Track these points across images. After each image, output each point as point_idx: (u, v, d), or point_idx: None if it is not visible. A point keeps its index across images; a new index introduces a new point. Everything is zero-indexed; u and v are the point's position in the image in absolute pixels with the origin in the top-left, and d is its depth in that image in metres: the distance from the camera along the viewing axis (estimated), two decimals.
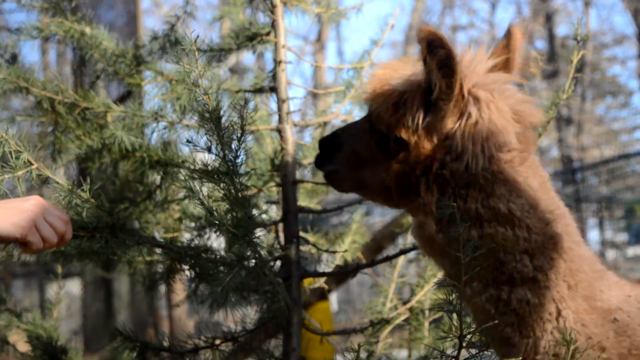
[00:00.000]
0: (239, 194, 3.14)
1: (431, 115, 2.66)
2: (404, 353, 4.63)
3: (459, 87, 2.61)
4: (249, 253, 3.34)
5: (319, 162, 3.02)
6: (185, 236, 4.29)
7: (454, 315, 2.76)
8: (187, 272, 4.12)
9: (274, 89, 3.96)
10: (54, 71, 13.60)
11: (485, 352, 2.87)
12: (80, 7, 4.23)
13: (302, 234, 3.93)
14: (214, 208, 3.25)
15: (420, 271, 4.78)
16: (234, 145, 3.05)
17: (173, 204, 4.38)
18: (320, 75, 23.59)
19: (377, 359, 4.26)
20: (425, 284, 4.31)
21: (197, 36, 2.98)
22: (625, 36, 28.01)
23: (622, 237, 18.07)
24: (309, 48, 25.81)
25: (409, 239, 4.62)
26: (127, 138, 3.92)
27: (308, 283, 4.59)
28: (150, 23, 22.80)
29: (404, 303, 4.33)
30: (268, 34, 4.04)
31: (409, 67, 2.77)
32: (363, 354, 3.93)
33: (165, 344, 4.10)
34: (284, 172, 3.88)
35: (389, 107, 2.72)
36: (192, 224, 4.14)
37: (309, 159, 4.27)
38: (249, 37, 4.14)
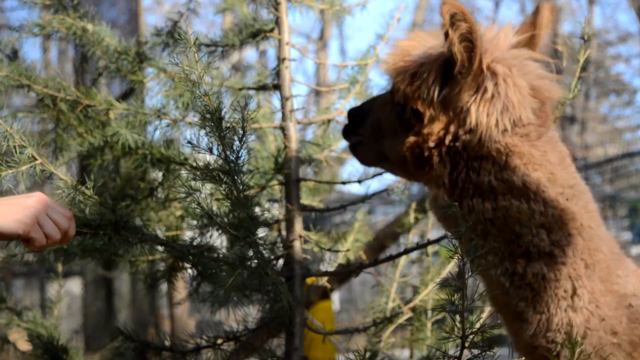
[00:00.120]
0: (241, 195, 3.12)
1: (448, 89, 2.67)
2: (406, 353, 4.62)
3: (478, 62, 2.61)
4: (251, 253, 3.32)
5: (346, 132, 3.04)
6: (187, 234, 4.27)
7: (457, 316, 2.73)
8: (190, 271, 4.11)
9: (277, 87, 3.94)
10: (56, 69, 13.57)
11: (488, 353, 2.85)
12: (82, 4, 4.21)
13: (304, 232, 3.91)
14: (215, 207, 3.23)
15: (422, 271, 4.77)
16: (235, 145, 3.04)
17: (175, 201, 4.36)
18: (323, 73, 23.57)
19: (380, 359, 4.24)
20: (428, 282, 4.29)
21: (197, 38, 2.96)
22: (629, 34, 27.98)
23: (626, 236, 18.04)
24: (311, 46, 25.78)
25: (411, 238, 4.61)
26: (130, 136, 3.91)
27: (310, 282, 4.57)
28: (152, 21, 22.80)
29: (407, 302, 4.31)
30: (272, 30, 4.02)
31: (433, 40, 2.76)
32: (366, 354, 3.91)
33: (167, 343, 4.08)
34: (287, 170, 3.87)
35: (406, 78, 2.72)
36: (194, 222, 4.12)
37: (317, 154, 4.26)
38: (253, 34, 4.12)
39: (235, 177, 3.07)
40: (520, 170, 2.62)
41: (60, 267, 4.72)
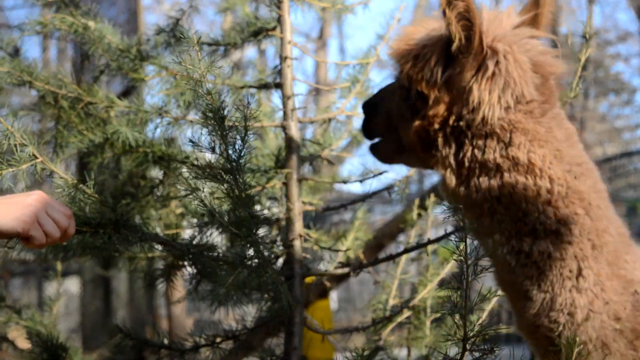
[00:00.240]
0: (243, 194, 3.11)
1: (451, 69, 2.68)
2: (404, 352, 4.61)
3: (478, 41, 2.62)
4: (251, 253, 3.31)
5: (365, 127, 3.05)
6: (187, 232, 4.26)
7: (457, 317, 2.72)
8: (189, 269, 4.10)
9: (279, 85, 3.93)
10: (55, 68, 13.57)
11: (489, 356, 2.83)
12: (83, 2, 4.21)
13: (304, 230, 3.91)
14: (216, 206, 3.22)
15: (422, 270, 4.77)
16: (237, 144, 3.03)
17: (175, 200, 4.35)
18: (322, 72, 23.55)
19: (379, 358, 4.23)
20: (428, 282, 4.29)
21: (200, 37, 2.95)
22: (629, 33, 27.90)
23: None
24: (311, 45, 25.75)
25: (412, 237, 4.61)
26: (130, 134, 3.90)
27: (309, 281, 4.56)
28: (151, 20, 22.75)
29: (407, 301, 4.31)
30: (274, 29, 4.01)
31: (436, 24, 2.78)
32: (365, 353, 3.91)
33: (165, 342, 4.08)
34: (288, 169, 3.86)
35: (409, 60, 2.74)
36: (195, 220, 4.11)
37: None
38: (255, 32, 4.11)
39: (237, 176, 3.07)
40: (525, 146, 2.63)
41: (59, 265, 4.71)
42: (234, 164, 3.04)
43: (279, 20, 3.94)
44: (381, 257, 4.00)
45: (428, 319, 4.37)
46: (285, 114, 3.89)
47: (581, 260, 2.61)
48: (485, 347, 2.80)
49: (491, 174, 2.64)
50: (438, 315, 4.35)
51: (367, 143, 3.12)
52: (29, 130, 3.06)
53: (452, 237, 2.68)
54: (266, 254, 3.36)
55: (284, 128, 3.89)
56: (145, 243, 3.48)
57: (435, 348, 4.09)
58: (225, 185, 3.09)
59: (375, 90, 3.14)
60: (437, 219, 4.58)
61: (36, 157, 3.07)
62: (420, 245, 3.90)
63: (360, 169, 4.15)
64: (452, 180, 2.72)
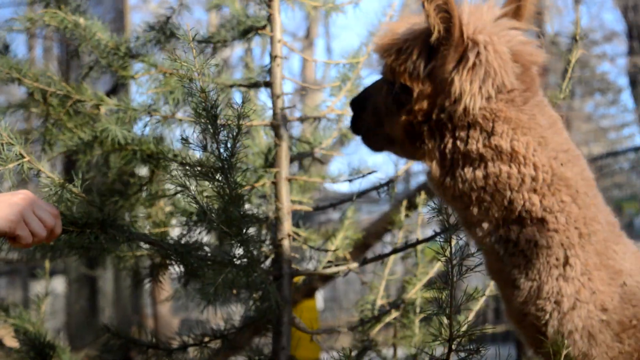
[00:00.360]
0: (233, 192, 3.10)
1: (433, 62, 2.69)
2: (392, 351, 4.60)
3: (458, 32, 2.64)
4: (241, 252, 3.30)
5: (353, 124, 3.06)
6: (176, 231, 4.24)
7: (444, 318, 2.73)
8: (176, 268, 4.08)
9: (268, 84, 3.92)
10: (42, 66, 13.50)
11: (475, 356, 2.84)
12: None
13: (294, 229, 3.90)
14: (206, 204, 3.21)
15: (410, 268, 4.76)
16: (229, 143, 3.01)
17: (163, 198, 4.33)
18: (310, 71, 23.53)
19: (367, 358, 4.23)
20: (417, 280, 4.28)
21: (195, 34, 2.93)
22: (614, 33, 27.97)
23: None
24: (297, 44, 25.74)
25: (400, 237, 4.59)
26: (119, 132, 3.87)
27: (296, 280, 4.55)
28: (138, 19, 22.68)
29: (395, 301, 4.30)
30: (264, 27, 4.00)
31: (419, 19, 2.79)
32: (353, 353, 3.90)
33: (153, 341, 4.06)
34: (277, 168, 3.84)
35: (392, 54, 2.76)
36: (183, 219, 4.09)
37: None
38: (245, 31, 4.10)
39: (228, 175, 3.05)
40: (508, 135, 2.64)
41: (47, 264, 4.68)
42: (226, 162, 3.02)
43: (269, 18, 3.92)
44: (369, 256, 3.99)
45: (417, 317, 4.37)
46: (274, 112, 3.88)
47: (568, 248, 2.62)
48: (471, 347, 2.80)
49: (475, 164, 2.66)
50: (426, 314, 4.35)
51: (355, 140, 3.13)
52: (15, 130, 3.03)
53: (439, 238, 2.69)
54: (255, 253, 3.35)
55: (273, 127, 3.88)
56: (132, 242, 3.46)
57: (423, 349, 4.08)
58: (216, 183, 3.08)
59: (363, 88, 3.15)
60: (425, 217, 4.57)
61: (23, 157, 3.05)
62: (409, 246, 3.90)
63: (348, 168, 4.15)
64: (437, 172, 2.73)
